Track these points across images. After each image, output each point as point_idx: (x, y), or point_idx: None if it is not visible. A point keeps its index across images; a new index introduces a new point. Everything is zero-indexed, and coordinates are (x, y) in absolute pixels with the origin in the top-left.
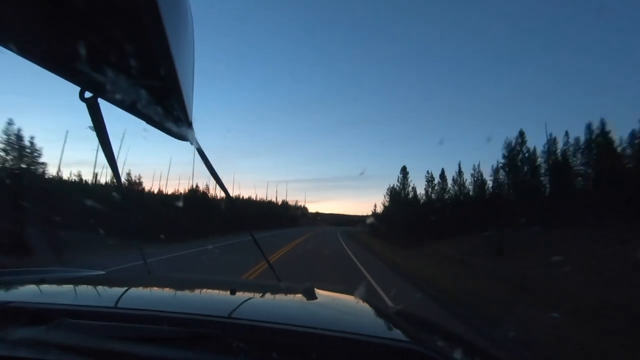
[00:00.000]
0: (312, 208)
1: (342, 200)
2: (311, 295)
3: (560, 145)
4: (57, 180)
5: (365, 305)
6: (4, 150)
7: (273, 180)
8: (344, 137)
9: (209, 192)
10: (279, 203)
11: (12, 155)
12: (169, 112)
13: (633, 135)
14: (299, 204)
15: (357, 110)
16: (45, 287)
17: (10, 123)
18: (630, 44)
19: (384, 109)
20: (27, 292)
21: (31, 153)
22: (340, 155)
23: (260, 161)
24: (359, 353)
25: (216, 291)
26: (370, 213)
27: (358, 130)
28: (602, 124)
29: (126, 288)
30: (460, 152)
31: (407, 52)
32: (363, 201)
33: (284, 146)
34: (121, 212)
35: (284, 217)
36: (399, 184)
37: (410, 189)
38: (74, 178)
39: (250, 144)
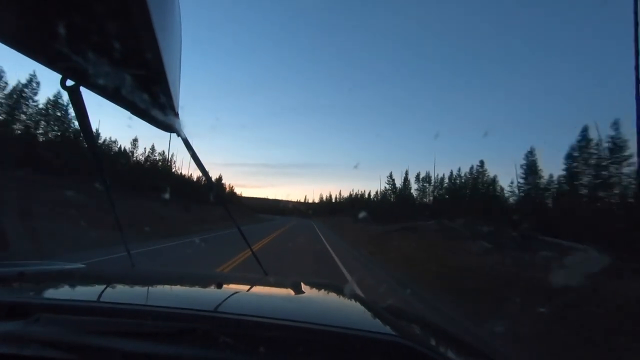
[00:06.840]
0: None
1: (280, 188)
2: (298, 290)
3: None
4: None
5: (353, 300)
6: None
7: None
8: (284, 125)
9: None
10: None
11: None
12: (155, 100)
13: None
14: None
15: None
16: (24, 280)
17: None
18: None
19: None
20: (5, 286)
21: None
22: (275, 143)
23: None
24: (347, 347)
25: (202, 285)
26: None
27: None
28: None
29: (108, 281)
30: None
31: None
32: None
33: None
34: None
35: None
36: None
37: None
38: None
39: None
